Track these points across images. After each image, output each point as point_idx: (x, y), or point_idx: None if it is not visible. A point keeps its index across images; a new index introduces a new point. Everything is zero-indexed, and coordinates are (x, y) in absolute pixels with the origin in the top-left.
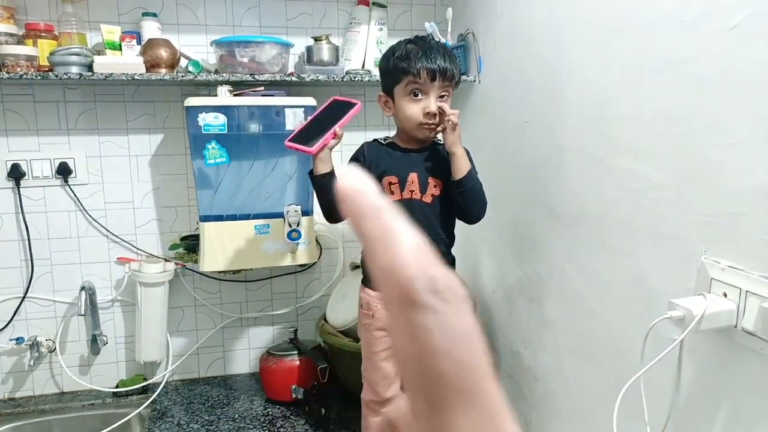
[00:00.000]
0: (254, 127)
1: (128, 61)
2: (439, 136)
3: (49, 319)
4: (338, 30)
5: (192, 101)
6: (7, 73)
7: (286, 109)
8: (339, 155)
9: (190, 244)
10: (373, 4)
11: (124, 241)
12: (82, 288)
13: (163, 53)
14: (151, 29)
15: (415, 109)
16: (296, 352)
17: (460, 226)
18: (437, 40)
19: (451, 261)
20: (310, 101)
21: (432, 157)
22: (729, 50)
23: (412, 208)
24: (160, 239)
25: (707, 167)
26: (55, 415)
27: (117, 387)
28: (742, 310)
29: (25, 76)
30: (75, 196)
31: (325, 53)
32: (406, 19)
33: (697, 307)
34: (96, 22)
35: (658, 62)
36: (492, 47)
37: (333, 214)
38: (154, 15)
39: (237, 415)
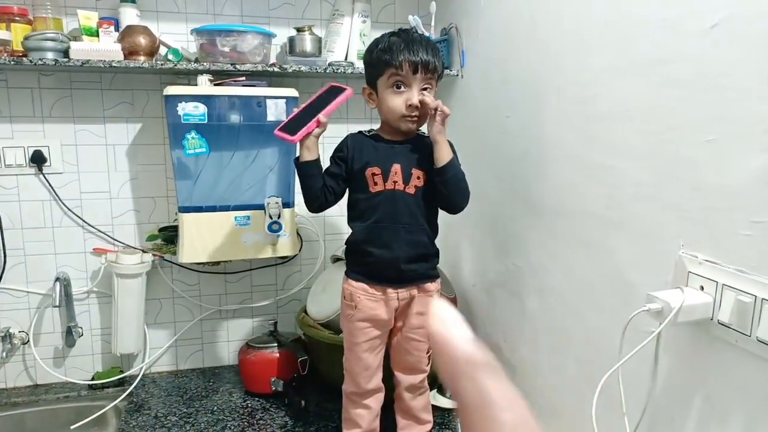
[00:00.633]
0: (235, 118)
1: (106, 48)
2: (424, 127)
3: (22, 311)
4: (321, 21)
5: (171, 90)
6: None
7: (268, 100)
8: (323, 147)
9: (169, 235)
10: None
11: (100, 231)
12: (57, 279)
13: (142, 40)
14: (129, 16)
15: (397, 102)
16: (276, 344)
17: (441, 219)
18: (421, 33)
19: (435, 253)
20: (292, 92)
21: (416, 148)
22: (706, 51)
23: (395, 199)
24: (137, 230)
25: (685, 164)
26: (28, 408)
27: (93, 379)
28: (719, 303)
29: None
30: (49, 185)
31: (308, 44)
32: (389, 12)
33: (674, 299)
34: (73, 7)
35: (637, 61)
36: (475, 42)
37: (314, 203)
38: (133, 1)
39: (216, 408)
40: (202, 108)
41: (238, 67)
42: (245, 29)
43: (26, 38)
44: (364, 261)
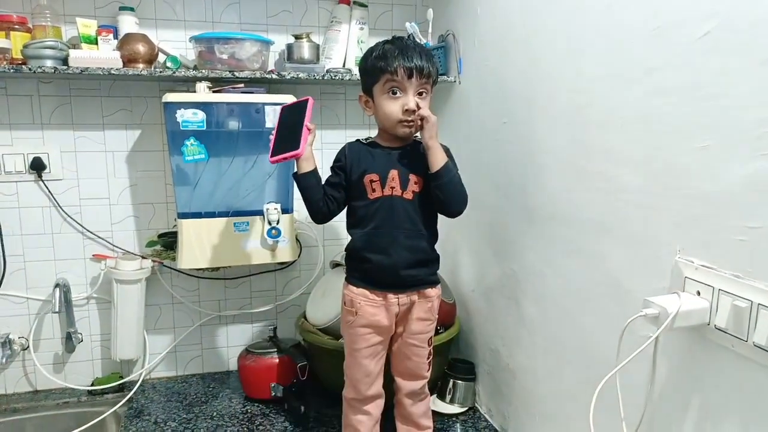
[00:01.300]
0: (233, 124)
1: (104, 56)
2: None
3: (22, 317)
4: (319, 28)
5: (170, 97)
6: None
7: (266, 107)
8: (320, 154)
9: (168, 241)
10: (354, 3)
11: (99, 237)
12: (57, 285)
13: (141, 48)
14: (128, 24)
15: (393, 107)
16: (275, 350)
17: (440, 224)
18: (416, 40)
19: (435, 258)
20: (290, 99)
21: (412, 154)
22: (698, 59)
23: (393, 205)
24: (136, 236)
25: (679, 171)
26: (28, 414)
27: (92, 385)
28: (715, 308)
29: None
30: (49, 191)
31: (306, 51)
32: (387, 19)
33: (671, 305)
34: (71, 15)
35: (630, 69)
36: (472, 49)
37: (318, 214)
38: (132, 9)
39: (215, 413)
40: (200, 115)
41: (236, 74)
42: (243, 37)
43: (25, 46)
44: (363, 267)
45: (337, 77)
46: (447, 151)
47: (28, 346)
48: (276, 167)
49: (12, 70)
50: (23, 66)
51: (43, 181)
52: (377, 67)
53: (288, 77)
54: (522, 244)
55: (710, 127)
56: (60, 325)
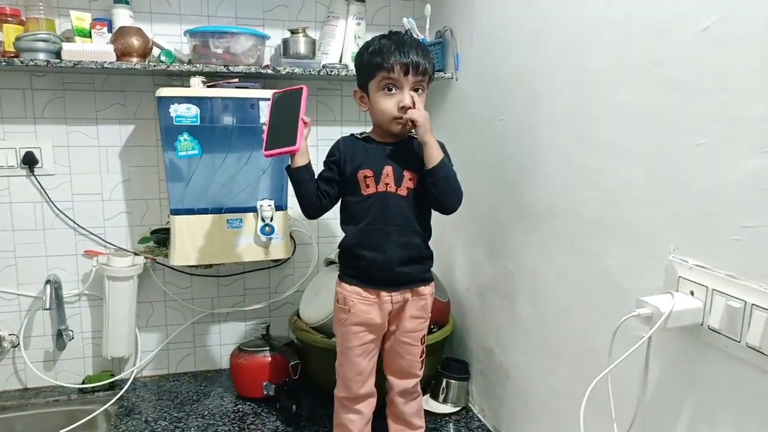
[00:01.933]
0: (228, 120)
1: (98, 49)
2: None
3: (12, 313)
4: (316, 23)
5: (164, 92)
6: None
7: (261, 102)
8: (315, 149)
9: (161, 238)
10: None
11: (92, 233)
12: (48, 281)
13: (135, 42)
14: (122, 17)
15: (389, 104)
16: (268, 348)
17: (435, 221)
18: (413, 35)
19: (429, 255)
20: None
21: (407, 150)
22: (699, 53)
23: (387, 201)
24: (129, 232)
25: (677, 167)
26: (18, 412)
27: (83, 383)
28: (709, 308)
29: None
30: (41, 186)
31: (302, 46)
32: (384, 14)
33: (664, 304)
34: (65, 8)
35: (630, 63)
36: (470, 45)
37: (311, 209)
38: (126, 2)
39: (207, 412)
40: (194, 110)
41: (231, 68)
42: (238, 31)
43: (18, 39)
44: (357, 264)
45: (333, 72)
46: (442, 146)
47: (18, 344)
48: (270, 163)
49: (4, 63)
50: (15, 59)
51: (35, 175)
52: (373, 63)
53: (283, 72)
54: (517, 241)
55: (710, 123)
56: (51, 322)
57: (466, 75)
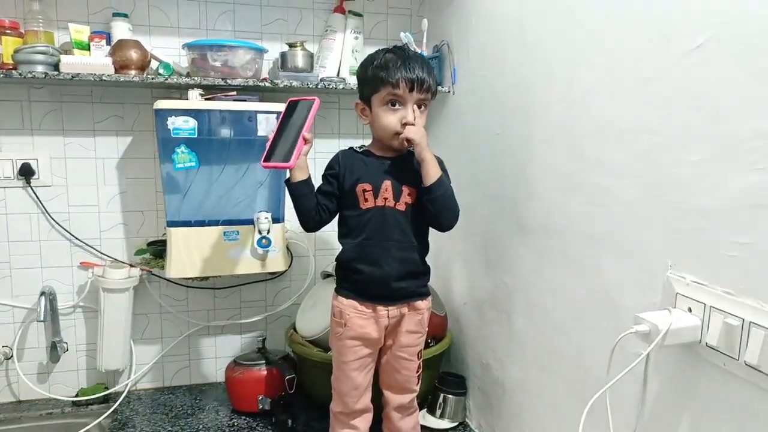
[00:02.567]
0: (225, 132)
1: (96, 62)
2: None
3: (6, 325)
4: (313, 37)
5: (162, 104)
6: None
7: (259, 115)
8: (313, 162)
9: (157, 250)
10: (350, 12)
11: (87, 245)
12: (42, 293)
13: (133, 54)
14: (121, 30)
15: (392, 119)
16: (264, 361)
17: (432, 235)
18: (414, 50)
19: (425, 270)
20: (284, 107)
21: (406, 165)
22: (691, 70)
23: (385, 216)
24: (125, 244)
25: (672, 184)
26: (10, 425)
27: (77, 396)
28: (707, 326)
29: None
30: (37, 198)
31: (300, 60)
32: (382, 29)
33: (662, 321)
34: (64, 21)
35: (622, 80)
36: (466, 59)
37: (310, 223)
38: (125, 16)
39: (201, 426)
40: (192, 122)
41: (229, 81)
42: (237, 44)
43: (16, 51)
44: (354, 278)
45: (331, 86)
46: (440, 163)
47: (11, 356)
48: (268, 175)
49: (2, 76)
50: (14, 71)
51: (31, 187)
52: (378, 77)
53: (281, 85)
54: (514, 256)
55: (703, 140)
56: (45, 334)
57: (462, 89)
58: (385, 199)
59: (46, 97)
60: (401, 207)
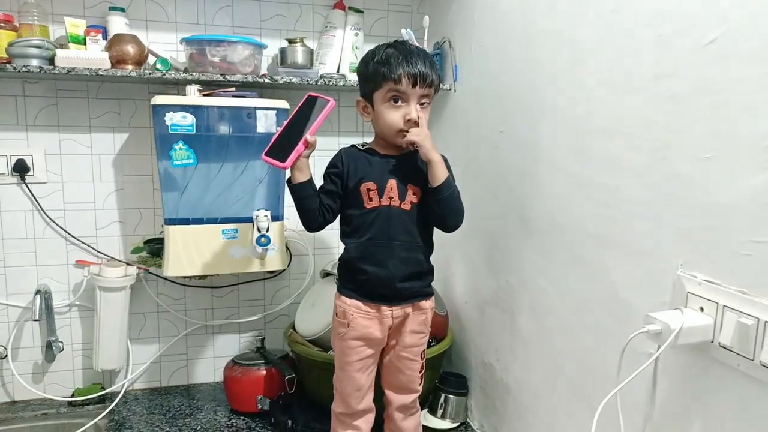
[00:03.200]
0: (224, 129)
1: (93, 56)
2: None
3: (1, 324)
4: (313, 33)
5: (159, 100)
6: None
7: (258, 111)
8: (312, 161)
9: (155, 248)
10: (350, 8)
11: (83, 243)
12: (38, 291)
13: (130, 49)
14: (118, 24)
15: (395, 116)
16: (263, 361)
17: (434, 234)
18: (417, 45)
19: (429, 270)
20: (283, 104)
21: (411, 163)
22: (704, 66)
23: (390, 216)
24: (122, 242)
25: (683, 181)
26: (5, 426)
27: (72, 396)
28: (719, 325)
29: None
30: (32, 195)
31: (300, 56)
32: (382, 25)
33: (674, 321)
34: (60, 14)
35: (633, 77)
36: (468, 56)
37: (313, 224)
38: (122, 10)
39: (200, 427)
40: (190, 118)
41: (228, 77)
42: (236, 39)
43: (11, 45)
44: (358, 279)
45: (331, 83)
46: (445, 162)
47: (6, 355)
48: (267, 173)
49: None
50: (8, 65)
51: (26, 183)
52: (379, 73)
53: (281, 82)
54: (519, 254)
55: (716, 137)
56: (40, 334)
57: (464, 87)
58: (390, 198)
59: (40, 92)
60: (406, 207)
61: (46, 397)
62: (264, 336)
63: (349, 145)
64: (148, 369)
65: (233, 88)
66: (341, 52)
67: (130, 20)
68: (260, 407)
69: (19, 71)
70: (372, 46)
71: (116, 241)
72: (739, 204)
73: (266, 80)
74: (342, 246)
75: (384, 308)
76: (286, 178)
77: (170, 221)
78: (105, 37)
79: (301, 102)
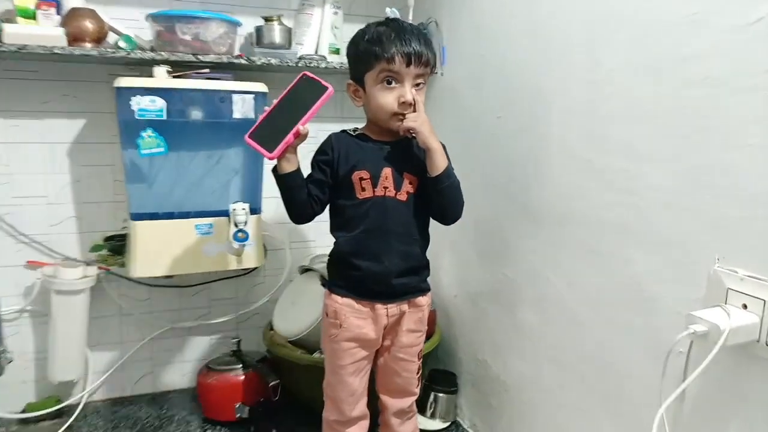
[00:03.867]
0: (197, 114)
1: (46, 33)
2: None
3: None
4: (289, 12)
5: (124, 82)
6: None
7: (234, 95)
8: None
9: (116, 245)
10: None
11: (35, 241)
12: None
13: (89, 25)
14: None
15: (389, 99)
16: (240, 365)
17: None
18: (409, 22)
19: (426, 264)
20: (261, 87)
21: (407, 151)
22: (745, 47)
23: (385, 207)
24: (79, 240)
25: (718, 169)
26: None
27: (24, 411)
28: (766, 324)
29: None
30: None
31: (277, 35)
32: (363, 4)
33: (722, 321)
34: None
35: (655, 59)
36: (458, 38)
37: (302, 217)
38: None
39: None
40: (160, 102)
41: (200, 57)
42: (209, 16)
43: None
44: (350, 275)
45: (312, 64)
46: (444, 149)
47: None
48: (243, 162)
49: None
50: None
51: None
52: (371, 53)
53: (258, 63)
54: (520, 246)
55: (757, 122)
56: None
57: (454, 70)
58: (385, 188)
59: None
60: (402, 197)
61: None
62: (240, 338)
63: (339, 131)
64: (109, 378)
65: (207, 70)
66: (320, 31)
67: None
68: (238, 415)
69: None
70: (353, 26)
71: (72, 239)
72: None
73: (243, 61)
74: (320, 240)
75: (378, 306)
76: (272, 167)
77: (137, 216)
78: (59, 12)
79: (295, 81)
